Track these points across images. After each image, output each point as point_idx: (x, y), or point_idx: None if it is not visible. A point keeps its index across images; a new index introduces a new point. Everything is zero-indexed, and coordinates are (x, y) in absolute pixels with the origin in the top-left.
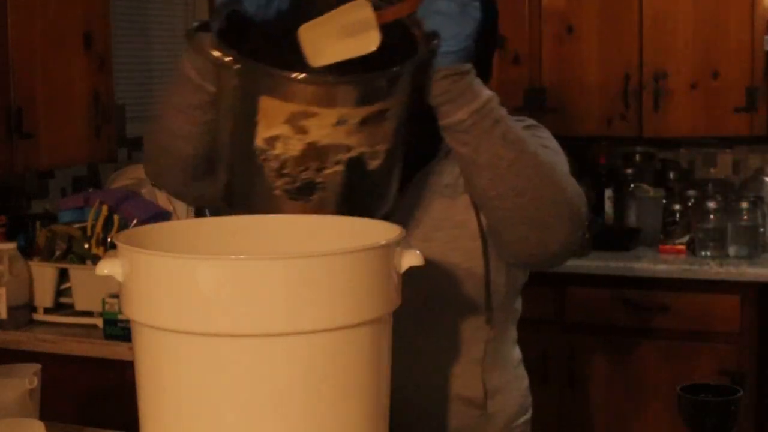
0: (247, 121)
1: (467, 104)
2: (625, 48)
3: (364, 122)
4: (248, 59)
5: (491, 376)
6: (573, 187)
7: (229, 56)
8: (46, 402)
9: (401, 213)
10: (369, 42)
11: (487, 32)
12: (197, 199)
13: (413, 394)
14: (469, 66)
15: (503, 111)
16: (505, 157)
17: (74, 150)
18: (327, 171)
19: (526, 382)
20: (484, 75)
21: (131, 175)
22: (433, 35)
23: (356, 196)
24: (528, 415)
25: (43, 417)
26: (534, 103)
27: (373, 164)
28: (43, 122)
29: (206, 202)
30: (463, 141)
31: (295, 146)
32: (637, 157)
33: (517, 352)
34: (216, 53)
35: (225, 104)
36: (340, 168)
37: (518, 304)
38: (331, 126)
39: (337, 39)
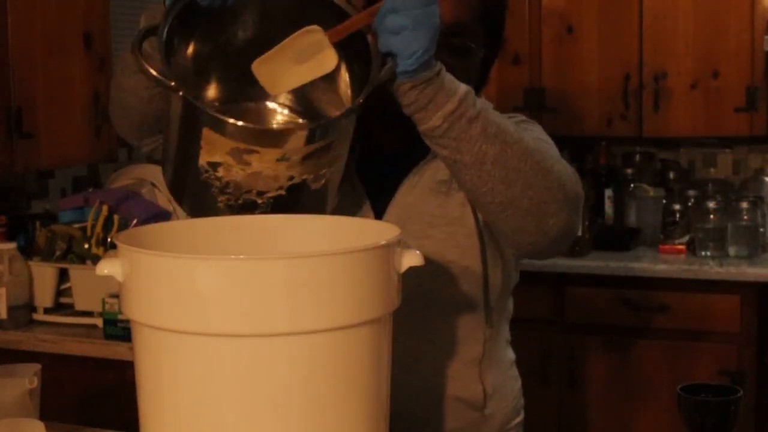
0: (191, 142)
1: (439, 109)
2: (625, 48)
3: (307, 157)
4: (190, 95)
5: (488, 376)
6: (564, 169)
7: (171, 82)
8: (46, 402)
9: (396, 211)
10: (326, 63)
11: (492, 37)
12: (151, 153)
13: (411, 396)
14: (437, 68)
15: (481, 103)
16: (489, 152)
17: (74, 150)
18: (269, 194)
19: (519, 383)
20: (483, 78)
21: (131, 175)
22: (387, 58)
23: (296, 210)
24: (521, 417)
25: (43, 417)
26: (534, 103)
27: (317, 185)
28: (43, 122)
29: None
30: (442, 144)
31: (237, 173)
32: (637, 157)
33: (510, 353)
34: (159, 77)
35: (171, 118)
36: (282, 192)
37: (510, 304)
38: (274, 161)
39: (293, 66)
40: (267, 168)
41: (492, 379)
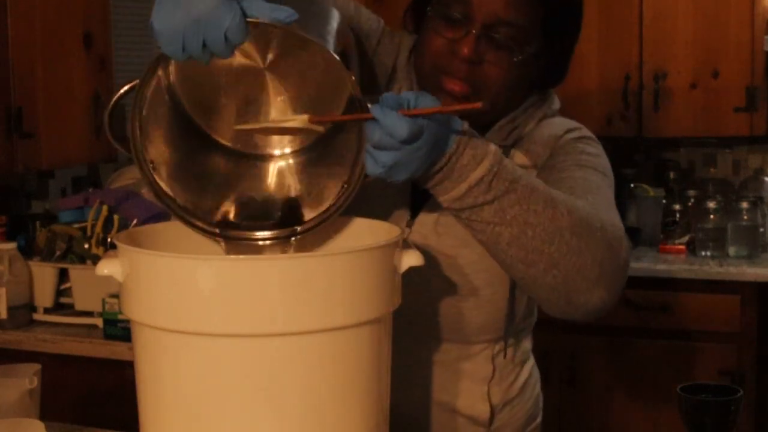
0: None
1: (446, 193)
2: (625, 48)
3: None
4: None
5: (497, 394)
6: (605, 237)
7: (148, 161)
8: (46, 402)
9: (426, 227)
10: (315, 132)
11: (556, 39)
12: None
13: (416, 408)
14: (445, 157)
15: (502, 183)
16: (503, 233)
17: (74, 150)
18: None
19: (537, 389)
20: (545, 79)
21: (131, 175)
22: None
23: None
24: (538, 420)
25: (43, 417)
26: None
27: None
28: (43, 122)
29: None
30: (454, 215)
31: None
32: (637, 157)
33: (528, 365)
34: (121, 148)
35: None
36: None
37: (534, 315)
38: None
39: (279, 134)
40: None
41: (501, 396)
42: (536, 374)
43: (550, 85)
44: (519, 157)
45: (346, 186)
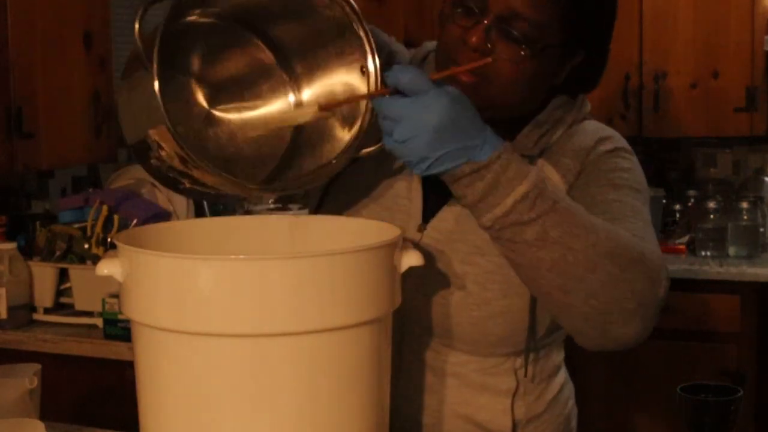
0: (148, 117)
1: (489, 211)
2: (625, 48)
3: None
4: (165, 102)
5: (521, 407)
6: (645, 269)
7: (149, 63)
8: (46, 402)
9: (440, 233)
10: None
11: (577, 40)
12: None
13: (433, 418)
14: (486, 161)
15: (545, 202)
16: (545, 258)
17: (74, 150)
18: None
19: (569, 405)
20: (594, 78)
21: (131, 175)
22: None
23: None
24: None
25: (43, 417)
26: None
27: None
28: (43, 122)
29: None
30: (494, 237)
31: (177, 166)
32: (637, 157)
33: (558, 379)
34: (140, 53)
35: (139, 86)
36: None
37: (563, 329)
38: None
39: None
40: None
41: (526, 411)
42: (568, 390)
43: (582, 91)
44: (548, 169)
45: (346, 147)
